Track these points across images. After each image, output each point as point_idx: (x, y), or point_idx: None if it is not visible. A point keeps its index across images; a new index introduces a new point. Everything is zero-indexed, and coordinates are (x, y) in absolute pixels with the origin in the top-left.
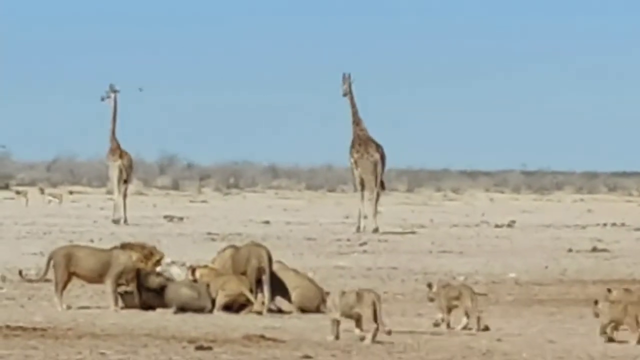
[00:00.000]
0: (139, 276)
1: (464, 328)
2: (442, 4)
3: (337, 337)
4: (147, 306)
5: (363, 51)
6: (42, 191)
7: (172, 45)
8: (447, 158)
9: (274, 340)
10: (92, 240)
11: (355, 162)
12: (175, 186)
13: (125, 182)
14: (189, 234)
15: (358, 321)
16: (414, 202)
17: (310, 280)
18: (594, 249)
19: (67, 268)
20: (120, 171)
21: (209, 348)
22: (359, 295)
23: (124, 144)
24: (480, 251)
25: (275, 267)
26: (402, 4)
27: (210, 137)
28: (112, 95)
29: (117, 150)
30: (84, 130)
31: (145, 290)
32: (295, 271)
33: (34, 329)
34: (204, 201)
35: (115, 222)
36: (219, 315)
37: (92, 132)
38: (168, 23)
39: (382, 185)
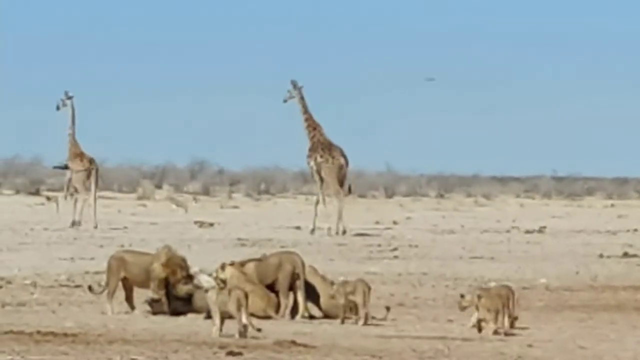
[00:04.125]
0: (168, 284)
1: (355, 322)
2: (471, 5)
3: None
4: (176, 313)
5: (389, 54)
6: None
7: (199, 49)
8: (478, 164)
9: (305, 346)
10: (122, 246)
11: (319, 166)
12: (206, 192)
13: (92, 188)
14: (220, 240)
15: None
16: (445, 207)
17: None
18: (625, 255)
19: (118, 273)
20: (89, 176)
21: (240, 354)
22: (230, 293)
23: (154, 150)
24: (511, 257)
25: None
26: (427, 6)
27: (241, 142)
28: (68, 102)
29: (84, 156)
30: (113, 135)
31: (174, 298)
32: (323, 277)
33: (65, 335)
34: (234, 207)
35: (74, 225)
36: (250, 321)
37: (122, 138)
38: (195, 26)
39: (349, 190)
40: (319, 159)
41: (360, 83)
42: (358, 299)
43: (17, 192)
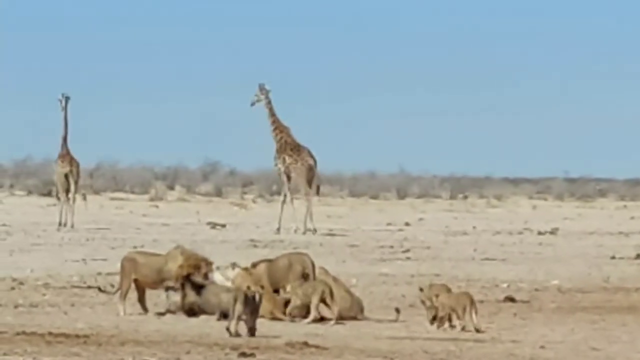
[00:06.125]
0: (188, 276)
1: (314, 321)
2: (483, 4)
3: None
4: (189, 312)
5: (400, 55)
6: (84, 197)
7: (212, 51)
8: (490, 165)
9: (317, 347)
10: (134, 247)
11: (288, 167)
12: (218, 193)
13: (71, 189)
14: (232, 241)
15: None
16: (457, 209)
17: (347, 290)
18: (638, 256)
19: (130, 274)
20: (67, 178)
21: (252, 355)
22: None
23: (166, 151)
24: (523, 258)
25: (316, 273)
26: (442, 5)
27: (253, 143)
28: (62, 103)
29: (66, 157)
30: (126, 136)
31: (189, 288)
32: (334, 279)
33: (77, 336)
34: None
35: (60, 226)
36: (261, 322)
37: (135, 138)
38: (208, 27)
39: (318, 190)
40: (287, 160)
41: (372, 84)
42: (314, 300)
43: (29, 193)
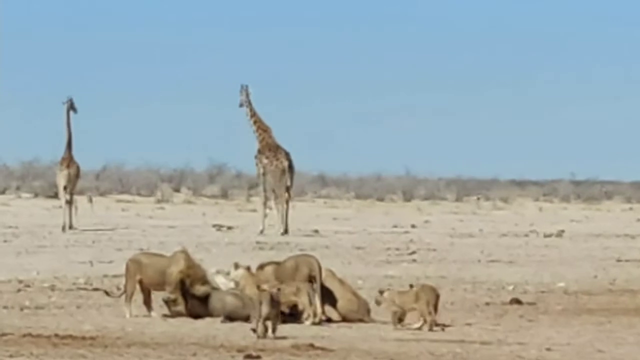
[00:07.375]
0: (184, 284)
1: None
2: (493, 5)
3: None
4: (193, 315)
5: (406, 57)
6: (90, 199)
7: (218, 53)
8: (496, 167)
9: (323, 349)
10: (141, 249)
11: (264, 168)
12: (224, 195)
13: (69, 190)
14: (238, 243)
15: None
16: (463, 211)
17: (354, 292)
18: None
19: (135, 276)
20: (65, 180)
21: (258, 357)
22: None
23: (172, 153)
24: (529, 260)
25: (322, 275)
26: (451, 5)
27: None
28: (65, 106)
29: (65, 160)
30: (132, 138)
31: (190, 297)
32: (341, 281)
33: (83, 338)
34: (252, 210)
35: (63, 228)
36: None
37: (141, 140)
38: (214, 30)
39: (289, 193)
40: (264, 161)
41: (377, 85)
42: (303, 299)
43: (36, 195)
